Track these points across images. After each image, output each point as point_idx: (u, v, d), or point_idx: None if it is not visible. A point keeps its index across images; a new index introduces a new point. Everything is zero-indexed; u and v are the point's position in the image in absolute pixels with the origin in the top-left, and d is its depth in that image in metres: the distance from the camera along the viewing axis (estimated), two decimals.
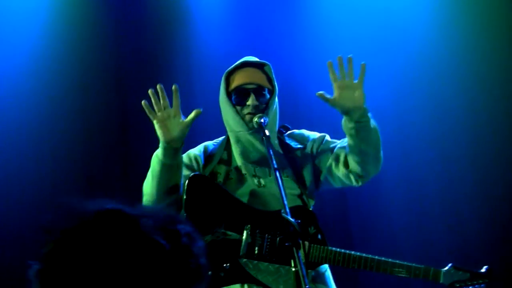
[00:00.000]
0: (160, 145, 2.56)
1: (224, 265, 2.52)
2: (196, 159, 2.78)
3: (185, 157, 2.75)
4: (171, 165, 2.54)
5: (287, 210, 2.25)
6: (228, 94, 2.77)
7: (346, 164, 2.70)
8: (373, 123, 2.65)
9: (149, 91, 2.56)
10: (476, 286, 2.76)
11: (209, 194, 2.61)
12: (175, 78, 4.54)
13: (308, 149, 2.83)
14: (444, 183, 4.45)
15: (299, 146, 2.84)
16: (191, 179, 2.59)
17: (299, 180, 2.75)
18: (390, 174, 4.28)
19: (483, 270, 2.76)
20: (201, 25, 4.77)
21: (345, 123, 2.63)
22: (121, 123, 4.63)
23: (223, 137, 2.87)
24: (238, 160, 2.74)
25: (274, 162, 2.41)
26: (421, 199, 4.49)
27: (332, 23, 4.65)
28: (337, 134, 2.87)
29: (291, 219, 2.19)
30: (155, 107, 2.55)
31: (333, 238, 2.79)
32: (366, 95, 2.69)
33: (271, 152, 2.46)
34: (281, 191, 2.30)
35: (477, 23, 4.50)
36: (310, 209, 2.72)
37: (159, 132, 2.54)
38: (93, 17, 4.68)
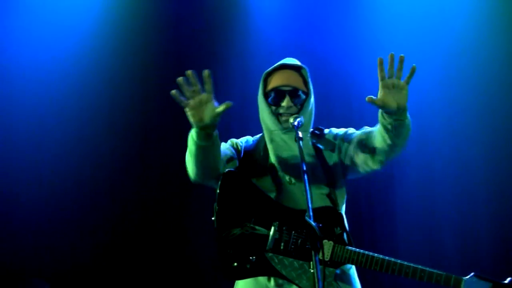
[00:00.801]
0: (193, 129, 2.60)
1: (251, 257, 2.66)
2: (238, 145, 2.94)
3: (229, 141, 2.94)
4: (206, 146, 2.60)
5: (311, 213, 2.34)
6: (265, 94, 2.92)
7: (371, 150, 2.77)
8: (408, 118, 2.69)
9: (179, 79, 2.52)
10: None
11: (241, 189, 2.74)
12: (231, 73, 4.75)
13: (336, 147, 2.94)
14: (458, 184, 4.43)
15: (329, 146, 2.95)
16: (225, 175, 2.73)
17: (328, 180, 2.85)
18: (405, 175, 4.35)
19: (507, 281, 2.72)
20: (259, 20, 4.91)
21: (382, 117, 2.67)
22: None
23: (261, 134, 3.01)
24: (272, 157, 2.87)
25: (304, 164, 2.50)
26: (434, 201, 4.51)
27: (379, 23, 4.70)
28: None
29: (313, 223, 2.28)
30: (187, 94, 2.53)
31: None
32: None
33: (302, 154, 2.55)
34: (307, 195, 2.38)
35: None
36: (340, 210, 2.81)
37: (191, 118, 2.54)
38: (152, 14, 4.91)
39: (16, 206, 4.55)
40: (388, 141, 2.69)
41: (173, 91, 2.53)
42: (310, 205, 2.37)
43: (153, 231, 4.71)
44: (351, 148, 2.87)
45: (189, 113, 2.55)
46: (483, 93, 4.53)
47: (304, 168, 2.49)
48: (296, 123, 2.72)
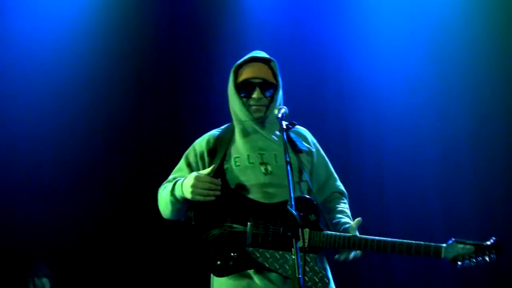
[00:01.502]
0: (181, 193, 2.82)
1: (232, 254, 2.80)
2: (202, 157, 3.02)
3: (191, 155, 3.04)
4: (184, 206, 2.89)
5: (293, 202, 2.44)
6: (236, 86, 3.02)
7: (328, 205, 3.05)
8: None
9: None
10: (483, 259, 2.72)
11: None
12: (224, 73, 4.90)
13: (308, 145, 3.06)
14: (444, 182, 4.46)
15: (303, 144, 3.06)
16: None
17: (300, 166, 2.96)
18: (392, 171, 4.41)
19: (489, 242, 2.73)
20: (253, 17, 5.06)
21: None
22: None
23: (228, 124, 3.11)
24: (245, 148, 2.96)
25: (287, 155, 2.60)
26: (421, 197, 4.52)
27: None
28: None
29: (294, 212, 2.38)
30: (211, 193, 2.80)
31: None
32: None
33: (286, 145, 2.66)
34: (289, 185, 2.49)
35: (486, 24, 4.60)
36: (310, 197, 2.90)
37: (194, 198, 2.79)
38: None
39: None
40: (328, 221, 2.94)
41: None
42: (292, 195, 2.47)
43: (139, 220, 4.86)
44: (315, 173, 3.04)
45: (198, 199, 2.80)
46: (470, 91, 4.61)
47: (288, 159, 2.59)
48: (280, 114, 2.83)
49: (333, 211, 3.04)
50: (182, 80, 5.07)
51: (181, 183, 2.85)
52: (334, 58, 4.90)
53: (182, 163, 3.06)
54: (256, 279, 2.80)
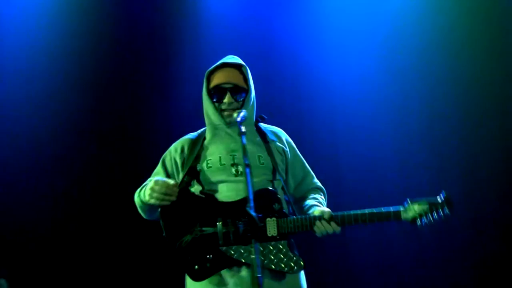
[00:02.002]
0: (144, 197, 2.99)
1: (208, 256, 2.89)
2: (176, 160, 3.16)
3: (167, 159, 3.17)
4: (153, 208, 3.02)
5: (252, 204, 2.58)
6: (209, 91, 3.16)
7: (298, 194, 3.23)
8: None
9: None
10: (438, 215, 2.92)
11: (180, 202, 2.97)
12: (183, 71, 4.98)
13: (282, 145, 3.21)
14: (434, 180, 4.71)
15: (274, 138, 3.21)
16: None
17: (273, 165, 3.10)
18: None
19: (440, 197, 2.94)
20: (211, 18, 5.15)
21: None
22: None
23: (204, 128, 3.24)
24: (217, 150, 3.08)
25: (246, 159, 2.73)
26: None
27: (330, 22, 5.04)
28: None
29: (253, 213, 2.53)
30: (166, 198, 2.92)
31: None
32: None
33: (245, 148, 2.76)
34: (249, 187, 2.62)
35: (470, 25, 4.82)
36: (271, 188, 3.02)
37: (152, 202, 2.94)
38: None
39: None
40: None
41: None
42: (251, 197, 2.60)
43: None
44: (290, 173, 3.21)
45: (153, 202, 2.94)
46: (458, 92, 4.85)
47: (247, 162, 2.71)
48: (239, 118, 2.91)
49: (305, 199, 3.18)
50: (140, 79, 5.09)
51: (146, 187, 2.98)
52: (290, 56, 5.05)
53: (159, 166, 3.20)
54: (227, 277, 2.91)
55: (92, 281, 4.80)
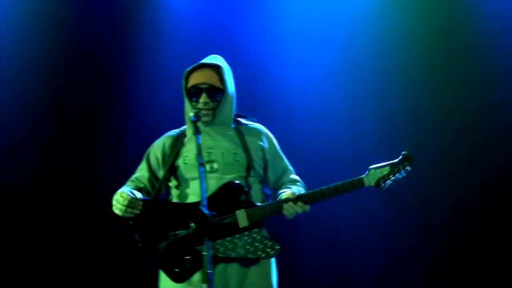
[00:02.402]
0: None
1: (186, 258, 2.96)
2: (158, 156, 3.25)
3: (151, 155, 3.28)
4: None
5: (205, 202, 2.65)
6: (187, 91, 3.22)
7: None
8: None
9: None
10: (400, 173, 3.01)
11: (150, 210, 3.05)
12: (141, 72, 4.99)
13: (261, 142, 3.27)
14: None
15: (252, 135, 3.27)
16: None
17: (248, 163, 3.16)
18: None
19: (399, 157, 3.02)
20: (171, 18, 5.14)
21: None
22: None
23: (185, 126, 3.31)
24: (194, 148, 3.08)
25: (200, 158, 2.81)
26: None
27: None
28: None
29: (206, 211, 2.60)
30: (129, 210, 2.98)
31: None
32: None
33: (200, 147, 2.85)
34: (202, 186, 2.69)
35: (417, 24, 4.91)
36: (235, 181, 3.08)
37: (117, 213, 3.02)
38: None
39: None
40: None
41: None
42: (204, 196, 2.67)
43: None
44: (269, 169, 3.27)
45: (117, 213, 3.02)
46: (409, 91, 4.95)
47: (201, 161, 2.80)
48: (193, 118, 2.96)
49: (279, 189, 3.25)
50: (102, 78, 5.09)
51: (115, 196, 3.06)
52: (247, 55, 5.05)
53: (143, 162, 3.29)
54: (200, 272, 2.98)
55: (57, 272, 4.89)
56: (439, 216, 4.74)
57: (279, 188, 3.26)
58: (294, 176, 3.33)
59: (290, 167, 3.37)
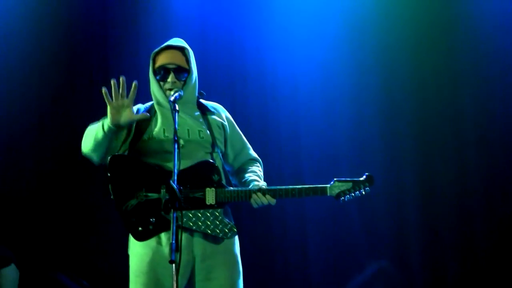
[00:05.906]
0: (107, 122, 3.13)
1: (151, 219, 3.18)
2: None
3: None
4: (111, 138, 3.19)
5: (175, 178, 2.87)
6: (154, 71, 3.41)
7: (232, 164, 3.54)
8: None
9: (112, 81, 3.07)
10: (359, 192, 3.28)
11: (128, 167, 3.25)
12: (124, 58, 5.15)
13: (222, 120, 3.50)
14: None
15: (214, 113, 3.50)
16: (111, 159, 3.23)
17: (212, 139, 3.39)
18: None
19: (363, 177, 3.30)
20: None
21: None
22: None
23: (151, 102, 3.48)
24: (162, 123, 3.34)
25: (175, 136, 2.99)
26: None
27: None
28: None
29: (175, 186, 2.82)
30: (113, 95, 3.08)
31: None
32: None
33: (175, 125, 3.03)
34: (175, 162, 2.91)
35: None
36: (210, 160, 3.33)
37: (109, 115, 3.09)
38: None
39: None
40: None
41: (103, 90, 3.07)
42: (175, 171, 2.89)
43: None
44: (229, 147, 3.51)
45: (110, 111, 3.09)
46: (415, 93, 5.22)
47: (176, 138, 2.99)
48: (172, 98, 3.17)
49: (245, 171, 3.51)
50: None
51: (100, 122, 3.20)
52: (247, 54, 5.31)
53: None
54: (165, 238, 3.21)
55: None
56: (442, 216, 5.00)
57: (243, 169, 3.51)
58: (252, 153, 3.60)
59: (248, 143, 3.62)
